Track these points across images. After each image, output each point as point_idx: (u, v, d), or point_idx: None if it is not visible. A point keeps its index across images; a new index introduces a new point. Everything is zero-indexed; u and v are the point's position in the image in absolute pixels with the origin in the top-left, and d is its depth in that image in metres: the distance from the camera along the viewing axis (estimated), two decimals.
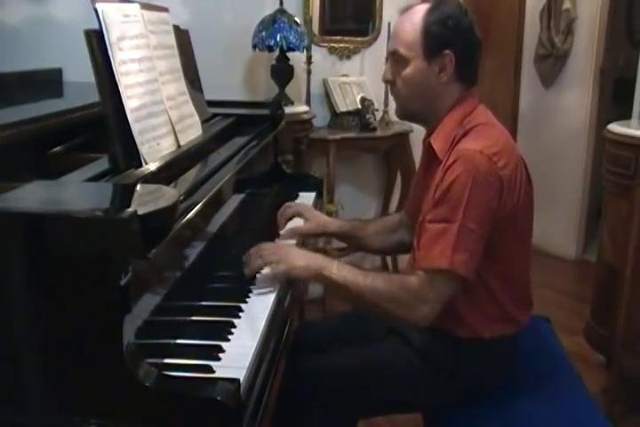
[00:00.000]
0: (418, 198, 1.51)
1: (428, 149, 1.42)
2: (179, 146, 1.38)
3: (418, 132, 1.55)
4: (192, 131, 1.48)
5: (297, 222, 1.72)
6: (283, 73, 2.76)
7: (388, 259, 3.37)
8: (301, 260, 1.35)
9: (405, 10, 1.41)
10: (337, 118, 3.05)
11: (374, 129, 2.99)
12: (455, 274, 1.26)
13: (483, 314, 1.38)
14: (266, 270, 1.37)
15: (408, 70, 1.38)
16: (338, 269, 1.33)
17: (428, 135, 1.44)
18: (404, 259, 3.16)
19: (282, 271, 1.34)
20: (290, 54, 2.72)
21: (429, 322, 1.29)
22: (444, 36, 1.34)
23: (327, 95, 3.08)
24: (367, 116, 2.97)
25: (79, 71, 1.39)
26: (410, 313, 1.28)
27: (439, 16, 1.34)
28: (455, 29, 1.35)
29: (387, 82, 1.45)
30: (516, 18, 3.91)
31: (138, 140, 1.20)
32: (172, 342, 1.07)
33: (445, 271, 1.25)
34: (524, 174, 1.36)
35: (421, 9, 1.37)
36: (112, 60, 1.16)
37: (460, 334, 1.39)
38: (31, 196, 0.95)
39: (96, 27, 1.15)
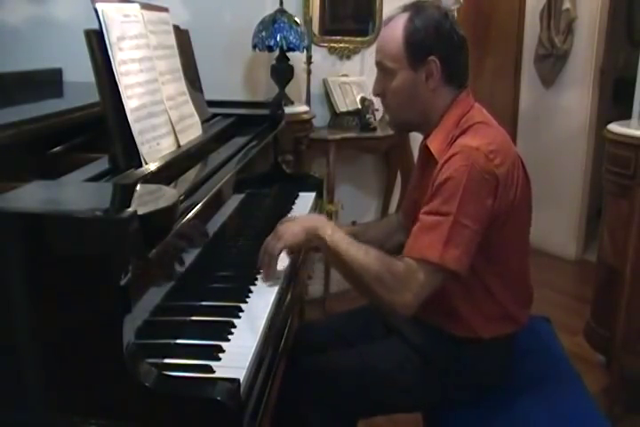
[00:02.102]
0: (413, 201, 1.51)
1: (424, 150, 1.42)
2: (179, 146, 1.38)
3: None
4: (192, 131, 1.48)
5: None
6: (283, 73, 2.76)
7: None
8: (296, 225, 1.36)
9: (388, 20, 1.41)
10: (337, 118, 3.05)
11: (374, 129, 2.99)
12: (444, 268, 1.25)
13: (481, 313, 1.38)
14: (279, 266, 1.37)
15: (396, 82, 1.38)
16: (332, 231, 1.33)
17: (424, 140, 1.44)
18: None
19: (281, 246, 1.34)
20: (290, 54, 2.72)
21: (411, 311, 1.28)
22: (426, 43, 1.34)
23: (327, 95, 3.08)
24: (367, 116, 2.97)
25: (79, 71, 1.39)
26: (391, 297, 1.27)
27: (419, 24, 1.34)
28: (436, 35, 1.34)
29: (377, 96, 1.46)
30: (516, 18, 3.91)
31: (138, 140, 1.20)
32: (172, 342, 1.07)
33: (433, 264, 1.25)
34: (522, 173, 1.36)
35: (401, 19, 1.37)
36: (112, 60, 1.16)
37: (459, 333, 1.39)
38: (31, 196, 0.95)
39: (96, 27, 1.15)
